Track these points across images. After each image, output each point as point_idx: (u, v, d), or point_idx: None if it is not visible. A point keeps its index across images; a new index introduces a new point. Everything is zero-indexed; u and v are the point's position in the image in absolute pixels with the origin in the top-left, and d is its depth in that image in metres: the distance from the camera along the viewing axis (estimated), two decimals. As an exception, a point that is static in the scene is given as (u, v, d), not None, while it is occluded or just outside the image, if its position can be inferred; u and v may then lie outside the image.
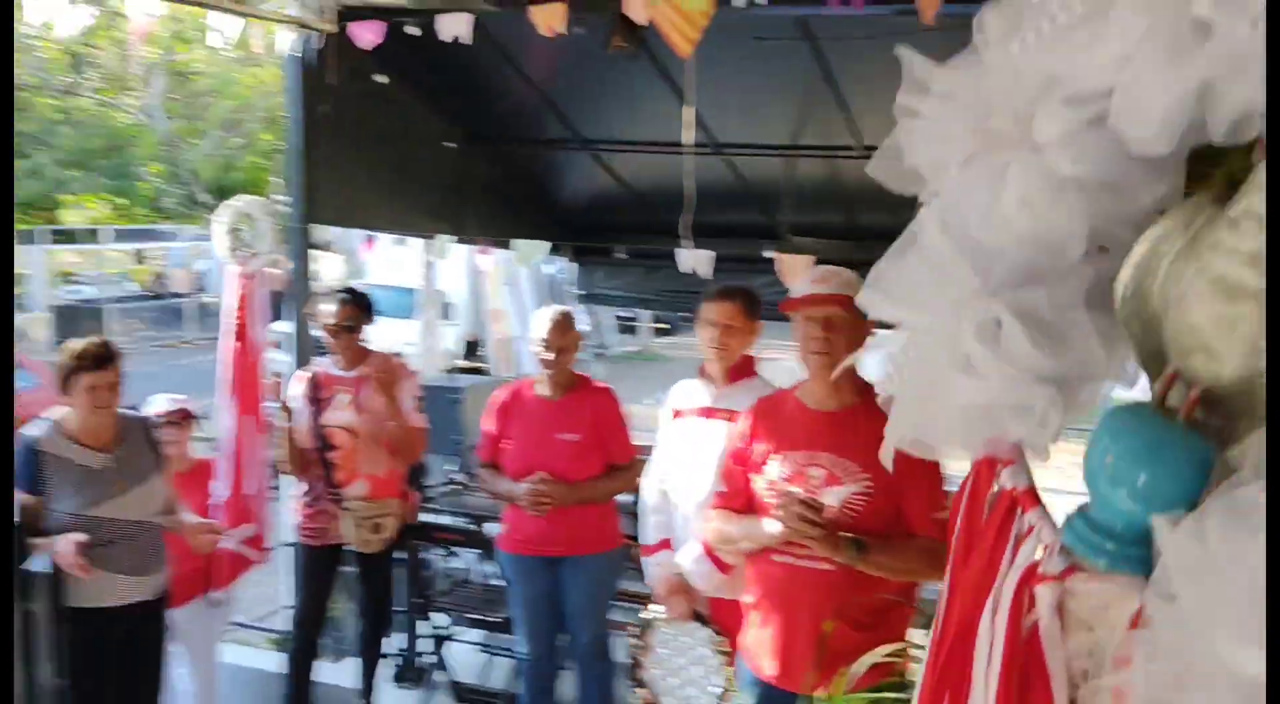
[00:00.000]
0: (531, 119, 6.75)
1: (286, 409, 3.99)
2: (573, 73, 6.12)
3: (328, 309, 4.03)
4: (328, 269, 21.96)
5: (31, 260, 25.94)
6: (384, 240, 9.00)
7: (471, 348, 15.33)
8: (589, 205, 7.34)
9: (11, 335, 1.94)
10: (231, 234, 4.56)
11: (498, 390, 4.04)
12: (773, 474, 2.63)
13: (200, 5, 5.53)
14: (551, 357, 3.76)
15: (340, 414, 4.02)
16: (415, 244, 6.98)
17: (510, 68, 6.20)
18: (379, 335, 14.99)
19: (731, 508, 2.76)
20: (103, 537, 3.32)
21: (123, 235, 27.11)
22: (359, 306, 4.05)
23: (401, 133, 6.44)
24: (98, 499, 3.35)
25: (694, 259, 5.29)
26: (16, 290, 24.76)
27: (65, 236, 27.28)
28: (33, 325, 21.09)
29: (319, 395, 4.05)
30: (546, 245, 5.87)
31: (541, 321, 3.82)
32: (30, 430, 3.40)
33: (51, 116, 21.29)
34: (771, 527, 2.54)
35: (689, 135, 4.85)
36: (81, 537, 3.22)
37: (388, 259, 15.45)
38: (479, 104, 6.69)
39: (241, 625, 5.88)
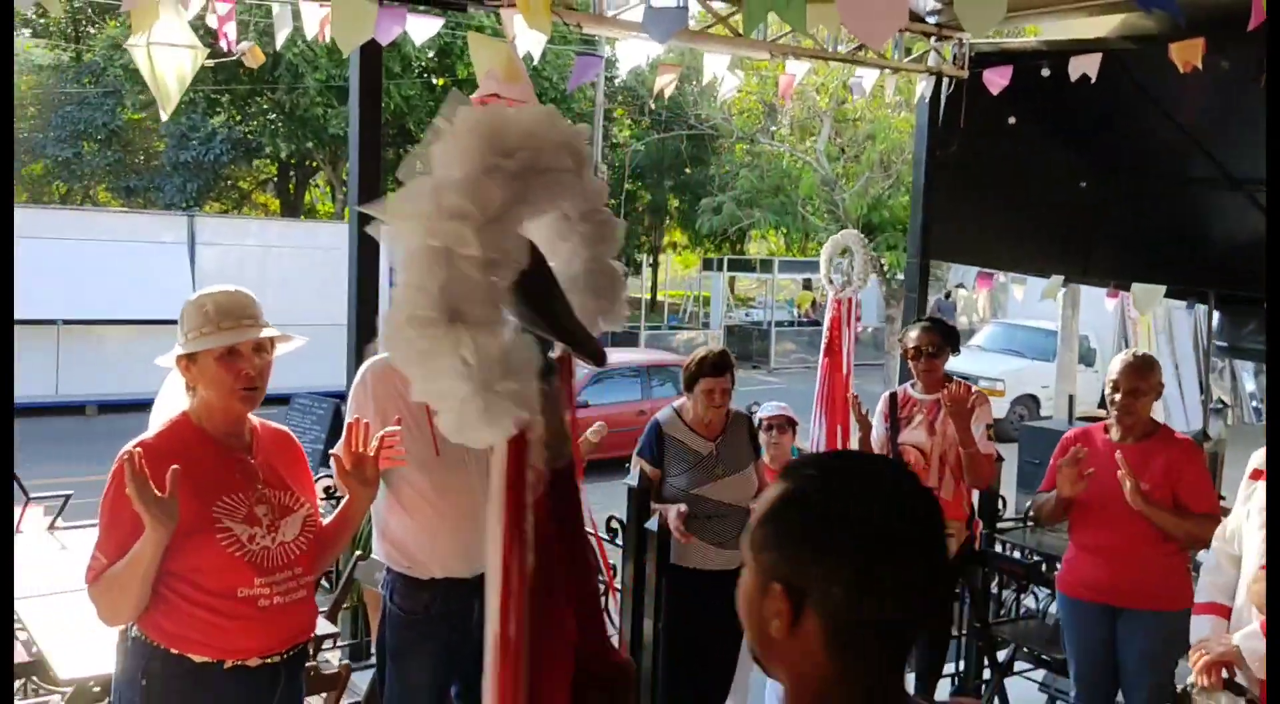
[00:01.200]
0: (1174, 158, 6.42)
1: (866, 423, 4.36)
2: (1220, 108, 5.75)
3: (911, 335, 4.33)
4: (969, 305, 22.15)
5: (715, 286, 29.80)
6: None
7: (1111, 396, 14.46)
8: (1239, 249, 6.75)
9: (12, 335, 2.15)
10: (831, 263, 5.07)
11: (1070, 431, 4.01)
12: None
13: (851, 62, 6.19)
14: (1119, 399, 3.66)
15: (914, 434, 4.30)
16: (1035, 283, 6.98)
17: (1149, 105, 5.98)
18: (1015, 374, 14.73)
19: (1283, 573, 2.54)
20: (702, 511, 3.97)
21: (791, 266, 29.91)
22: (940, 335, 4.28)
23: (1028, 172, 6.53)
24: (700, 480, 4.02)
25: (1341, 315, 4.65)
26: (703, 311, 28.24)
27: (745, 266, 30.89)
28: (710, 341, 24.21)
29: (897, 414, 4.37)
30: (1161, 290, 5.55)
31: (1116, 364, 3.73)
32: (659, 415, 4.19)
33: (740, 158, 24.33)
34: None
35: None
36: (684, 508, 3.89)
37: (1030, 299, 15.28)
38: (1114, 143, 6.53)
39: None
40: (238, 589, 2.39)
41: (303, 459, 2.72)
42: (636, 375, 14.92)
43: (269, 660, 2.46)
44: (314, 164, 26.44)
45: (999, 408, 16.51)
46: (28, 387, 15.66)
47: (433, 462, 3.03)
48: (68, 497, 4.18)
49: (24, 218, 17.19)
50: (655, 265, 40.61)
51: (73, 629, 3.24)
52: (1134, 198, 6.88)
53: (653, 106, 23.06)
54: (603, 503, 4.49)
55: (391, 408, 3.01)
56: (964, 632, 4.96)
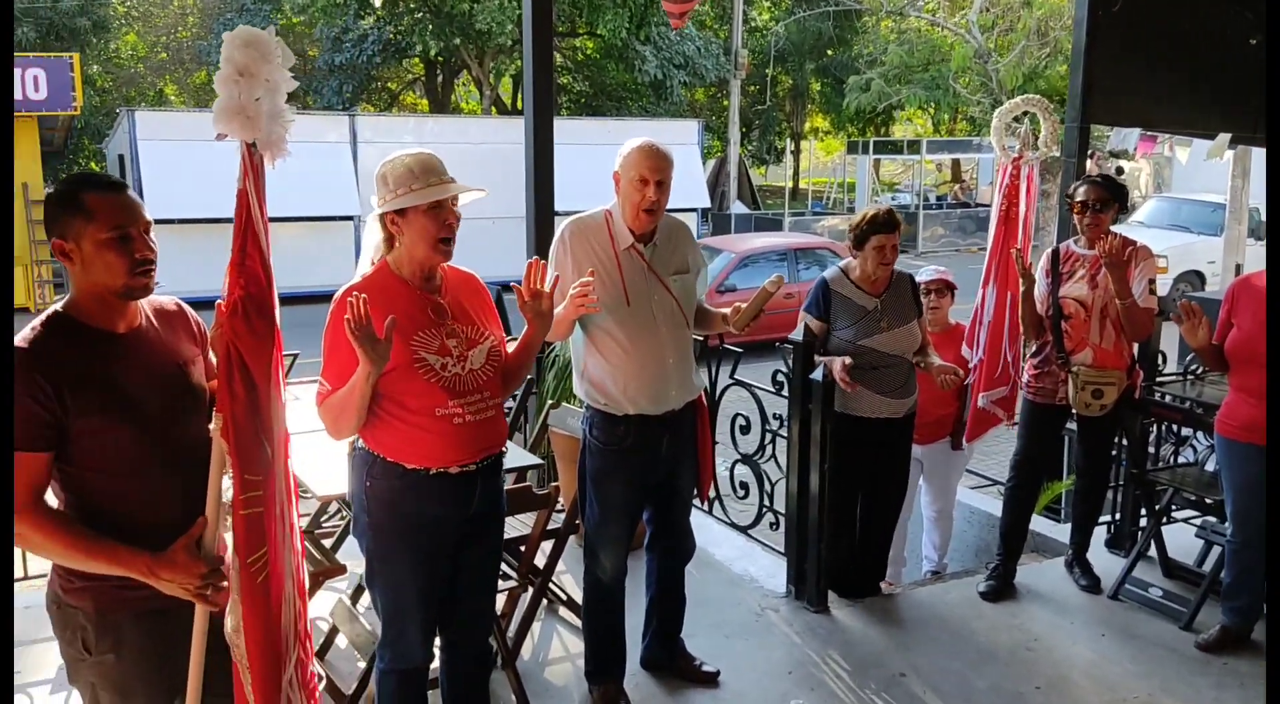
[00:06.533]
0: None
1: (1030, 276, 4.47)
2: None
3: (1079, 190, 4.40)
4: (1133, 178, 21.21)
5: (859, 170, 29.29)
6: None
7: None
8: None
9: (11, 331, 2.15)
10: (1007, 128, 5.10)
11: (1233, 281, 4.09)
12: None
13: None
14: None
15: (1075, 287, 4.40)
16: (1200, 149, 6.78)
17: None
18: (1179, 250, 14.19)
19: None
20: (866, 362, 4.21)
21: (939, 147, 29.08)
22: (1104, 189, 4.34)
23: (1194, 30, 6.34)
24: (866, 333, 4.25)
25: None
26: (847, 196, 27.75)
27: (891, 148, 30.20)
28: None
29: (1059, 269, 4.48)
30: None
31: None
32: (826, 273, 4.41)
33: (885, 37, 23.61)
34: None
35: None
36: (848, 360, 4.14)
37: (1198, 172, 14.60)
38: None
39: (981, 476, 6.65)
40: (435, 409, 2.77)
41: (488, 298, 3.04)
42: (783, 259, 14.98)
43: (466, 468, 2.85)
44: (458, 62, 26.90)
45: (1161, 286, 15.95)
46: (212, 282, 16.82)
47: (624, 311, 3.36)
48: (295, 356, 4.70)
49: (194, 123, 18.19)
50: (797, 152, 40.08)
51: (313, 460, 3.75)
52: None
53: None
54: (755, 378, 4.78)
55: (586, 261, 3.34)
56: (1120, 482, 5.11)
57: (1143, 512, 4.97)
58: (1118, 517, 5.15)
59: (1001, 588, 4.64)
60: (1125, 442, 4.95)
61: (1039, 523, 5.37)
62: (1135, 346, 4.56)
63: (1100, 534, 5.03)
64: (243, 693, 2.16)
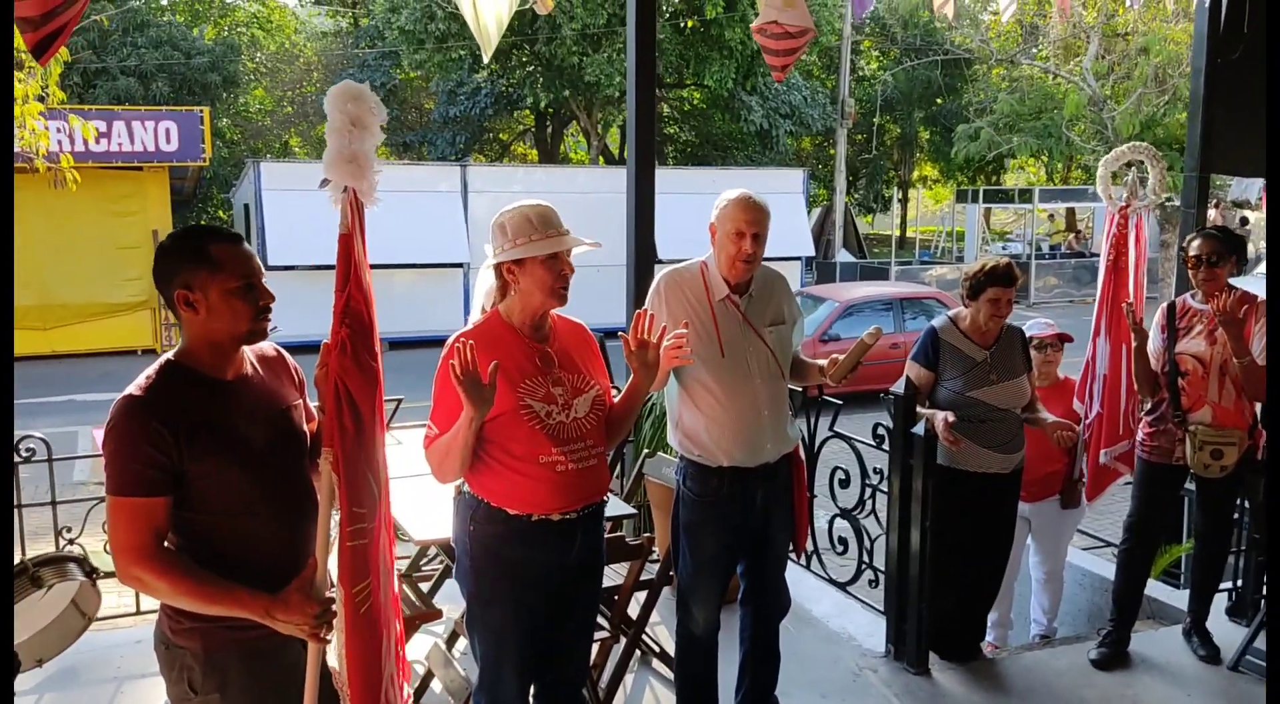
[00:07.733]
0: None
1: (1142, 331, 4.32)
2: None
3: (1193, 244, 4.25)
4: (1258, 229, 20.37)
5: (969, 219, 28.81)
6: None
7: None
8: None
9: (11, 333, 2.16)
10: (1114, 177, 4.96)
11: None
12: None
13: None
14: None
15: (1193, 343, 4.23)
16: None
17: None
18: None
19: None
20: (973, 415, 4.10)
21: (1052, 195, 28.45)
22: (1219, 243, 4.18)
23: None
24: (975, 385, 4.15)
25: None
26: (956, 245, 27.23)
27: (1001, 196, 29.67)
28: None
29: (1175, 324, 4.31)
30: None
31: None
32: (935, 322, 4.33)
33: (996, 85, 23.26)
34: None
35: None
36: (952, 416, 4.03)
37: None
38: None
39: (1094, 537, 6.39)
40: (539, 456, 2.79)
41: (596, 347, 3.07)
42: (888, 308, 14.77)
43: (567, 516, 2.86)
44: (567, 113, 27.45)
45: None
46: (325, 327, 17.41)
47: (719, 362, 3.35)
48: (399, 400, 4.82)
49: (315, 173, 18.88)
50: (905, 200, 39.68)
51: (413, 504, 3.81)
52: None
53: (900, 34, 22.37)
54: (856, 430, 4.69)
55: (681, 312, 3.35)
56: (1242, 547, 4.87)
57: (1265, 578, 4.71)
58: (1239, 583, 4.89)
59: (1114, 655, 4.44)
60: (1248, 504, 4.72)
61: (1155, 588, 5.14)
62: (1258, 405, 4.36)
63: (1221, 602, 4.79)
64: None
